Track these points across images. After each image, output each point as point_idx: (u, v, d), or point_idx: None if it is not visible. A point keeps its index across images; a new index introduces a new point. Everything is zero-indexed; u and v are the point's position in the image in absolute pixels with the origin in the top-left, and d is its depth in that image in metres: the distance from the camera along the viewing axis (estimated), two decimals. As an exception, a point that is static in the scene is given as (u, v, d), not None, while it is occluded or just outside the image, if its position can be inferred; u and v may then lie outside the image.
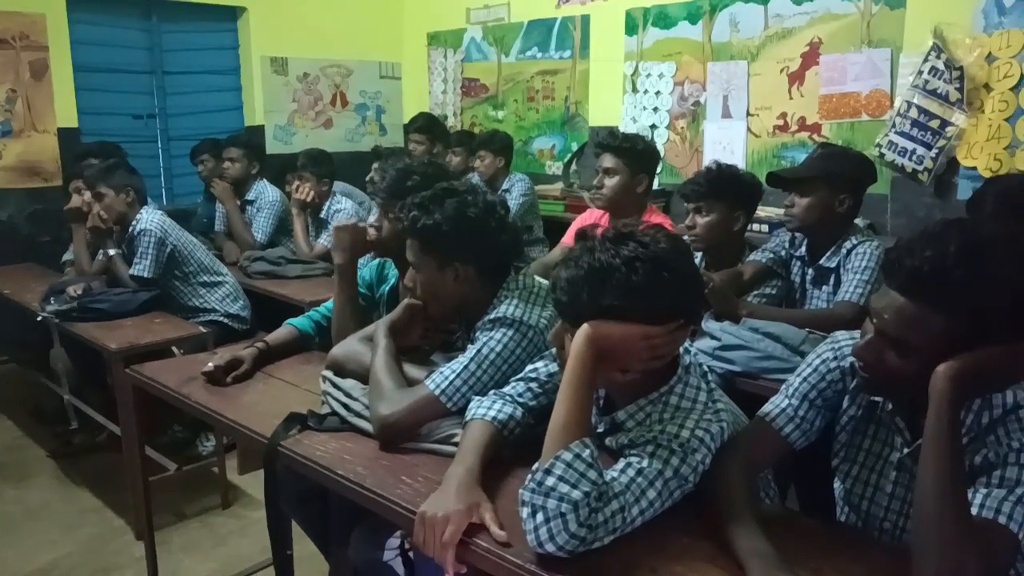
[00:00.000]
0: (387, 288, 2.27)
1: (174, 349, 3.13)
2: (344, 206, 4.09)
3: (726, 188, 2.54)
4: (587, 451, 1.20)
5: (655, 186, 3.31)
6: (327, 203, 4.08)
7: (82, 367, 3.57)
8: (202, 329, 3.11)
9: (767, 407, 1.43)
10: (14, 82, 4.74)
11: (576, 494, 1.16)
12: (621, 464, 1.28)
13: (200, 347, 3.10)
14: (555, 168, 5.54)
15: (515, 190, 4.50)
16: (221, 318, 3.53)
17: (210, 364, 2.01)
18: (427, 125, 5.03)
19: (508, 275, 1.76)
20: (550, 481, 1.17)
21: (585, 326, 1.28)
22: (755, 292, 2.45)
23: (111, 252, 3.43)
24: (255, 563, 2.71)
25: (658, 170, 3.16)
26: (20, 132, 4.80)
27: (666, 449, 1.29)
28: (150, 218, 3.41)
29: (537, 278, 1.83)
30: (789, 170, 2.56)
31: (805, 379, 1.42)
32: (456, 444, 1.54)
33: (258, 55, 5.70)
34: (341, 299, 2.13)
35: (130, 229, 3.42)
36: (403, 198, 2.05)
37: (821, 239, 2.44)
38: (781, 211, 3.76)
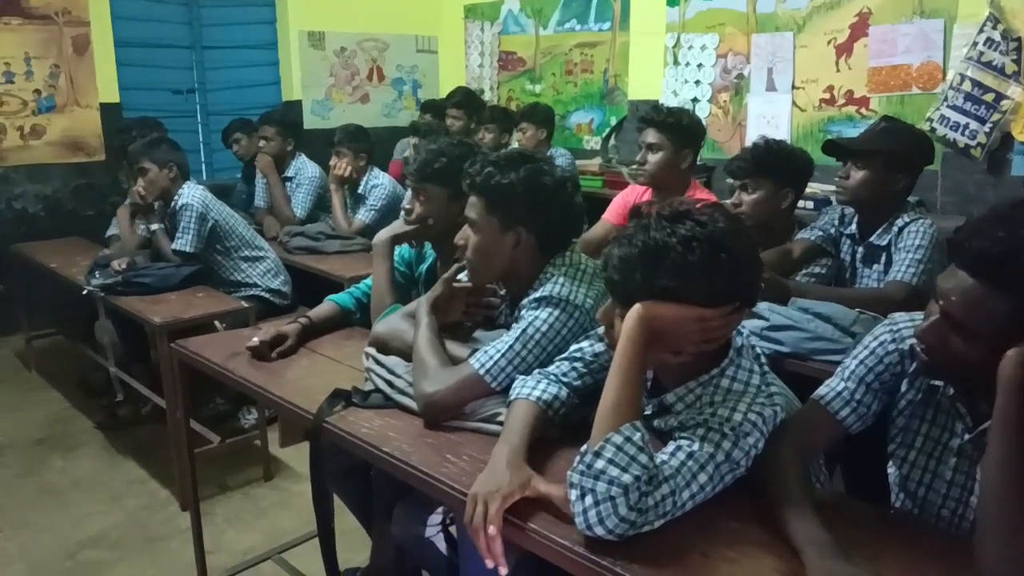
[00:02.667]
0: (425, 267, 2.26)
1: (217, 324, 3.17)
2: (382, 181, 4.08)
3: (774, 165, 2.48)
4: (638, 434, 1.18)
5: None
6: (364, 178, 4.07)
7: (126, 340, 3.63)
8: (244, 304, 3.13)
9: (822, 390, 1.40)
10: (57, 57, 4.79)
11: (626, 478, 1.14)
12: (671, 447, 1.25)
13: (242, 322, 3.13)
14: (593, 143, 5.48)
15: (557, 164, 4.43)
16: (262, 293, 3.56)
17: (255, 339, 2.02)
18: (464, 100, 4.99)
19: (563, 251, 1.74)
20: (600, 464, 1.15)
21: (638, 306, 1.25)
22: (804, 271, 2.39)
23: (154, 227, 3.47)
24: (297, 536, 2.74)
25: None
26: (63, 107, 4.87)
27: (717, 432, 1.26)
28: (191, 193, 3.43)
29: (584, 256, 1.80)
30: (849, 140, 2.48)
31: (862, 361, 1.38)
32: (500, 423, 1.53)
33: (296, 29, 5.69)
34: (379, 275, 2.13)
35: (172, 204, 3.45)
36: (433, 180, 2.05)
37: (873, 216, 2.37)
38: (828, 187, 3.69)
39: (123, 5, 5.03)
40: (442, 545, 1.94)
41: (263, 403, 1.87)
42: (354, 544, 2.44)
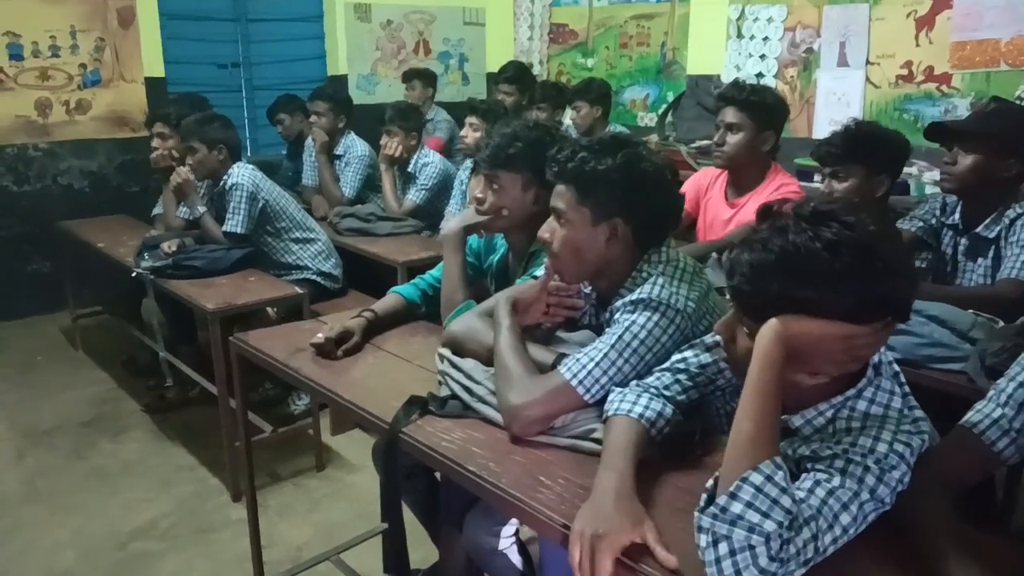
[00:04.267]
0: (496, 258, 2.11)
1: (269, 311, 3.08)
2: (432, 160, 3.93)
3: (868, 150, 2.28)
4: (780, 473, 1.02)
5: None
6: (414, 157, 3.93)
7: (173, 321, 3.55)
8: (298, 290, 3.02)
9: (974, 416, 1.23)
10: (102, 30, 4.70)
11: (769, 525, 0.99)
12: (808, 483, 1.10)
13: (295, 308, 3.03)
14: (648, 119, 5.27)
15: None
16: (314, 276, 3.45)
17: (320, 336, 1.89)
18: (517, 75, 4.80)
19: (659, 246, 1.58)
20: (736, 508, 1.00)
21: (775, 323, 1.09)
22: (904, 266, 2.20)
23: (200, 210, 3.36)
24: (350, 529, 2.63)
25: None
26: (109, 81, 4.79)
27: (860, 466, 1.10)
28: (241, 172, 3.31)
29: (680, 251, 1.64)
30: (957, 122, 2.28)
31: (1021, 384, 1.21)
32: (596, 441, 1.39)
33: (342, 1, 5.55)
34: (450, 269, 1.98)
35: (221, 183, 3.34)
36: (508, 167, 1.89)
37: (979, 206, 2.17)
38: (908, 169, 3.47)
39: (168, -24, 4.93)
40: (516, 559, 1.82)
41: (333, 406, 1.75)
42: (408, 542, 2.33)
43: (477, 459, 1.39)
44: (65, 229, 4.14)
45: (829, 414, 1.20)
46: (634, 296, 1.51)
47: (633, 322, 1.48)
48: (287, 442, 3.20)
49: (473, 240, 2.14)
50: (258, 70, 5.45)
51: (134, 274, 3.20)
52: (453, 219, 2.04)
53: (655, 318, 1.48)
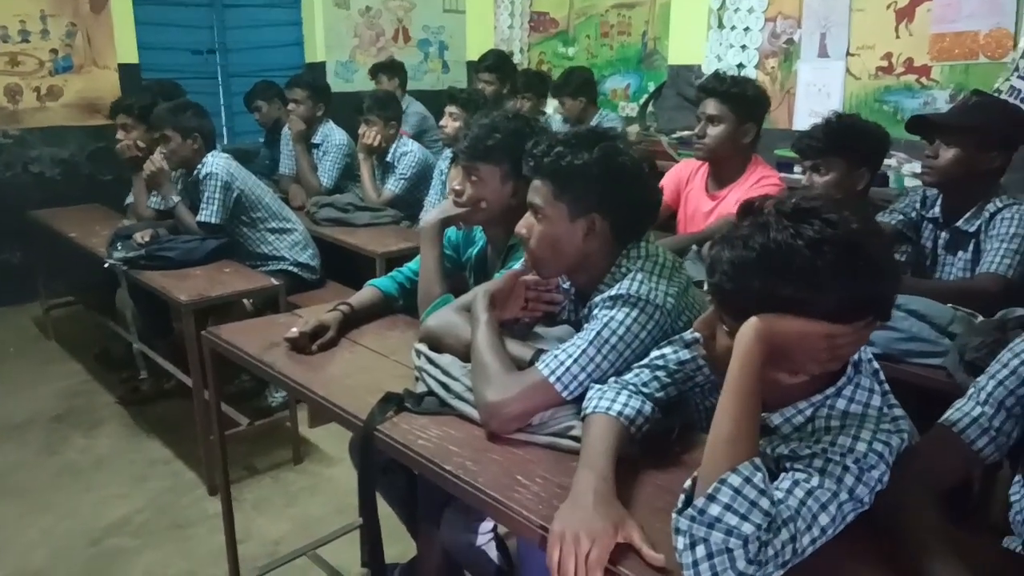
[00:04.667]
0: (475, 251, 2.08)
1: (245, 302, 3.03)
2: (411, 148, 3.89)
3: (848, 143, 2.28)
4: (759, 474, 1.01)
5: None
6: (393, 146, 3.89)
7: (147, 313, 3.50)
8: (274, 281, 2.98)
9: (953, 414, 1.22)
10: (73, 15, 4.60)
11: (747, 527, 0.97)
12: (786, 483, 1.09)
13: (272, 300, 2.99)
14: (629, 109, 5.25)
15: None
16: (291, 267, 3.41)
17: (294, 330, 1.86)
18: (497, 63, 4.76)
19: (638, 241, 1.56)
20: (714, 510, 0.99)
21: (755, 321, 1.07)
22: (884, 259, 2.20)
23: (175, 199, 3.30)
24: (328, 525, 2.60)
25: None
26: (80, 67, 4.69)
27: (839, 465, 1.09)
28: (215, 162, 3.26)
29: (659, 245, 1.62)
30: (939, 115, 2.27)
31: (1001, 382, 1.21)
32: (575, 439, 1.37)
33: (320, -13, 5.47)
34: (427, 262, 1.95)
35: (195, 173, 3.28)
36: (486, 158, 1.86)
37: (960, 199, 2.17)
38: (888, 161, 3.47)
39: (142, -40, 4.83)
40: (493, 554, 1.81)
41: (308, 403, 1.71)
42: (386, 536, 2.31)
43: (454, 458, 1.36)
44: (36, 218, 4.06)
45: (808, 412, 1.18)
46: (613, 292, 1.49)
47: (612, 318, 1.46)
48: (264, 435, 3.17)
49: (452, 232, 2.10)
50: (234, 56, 5.37)
51: (107, 265, 3.14)
52: (431, 211, 2.00)
53: (634, 314, 1.46)
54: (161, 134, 3.29)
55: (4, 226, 4.52)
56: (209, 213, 3.23)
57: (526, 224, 1.59)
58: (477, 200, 1.87)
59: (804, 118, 4.19)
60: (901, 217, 2.28)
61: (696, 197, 2.82)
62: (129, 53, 4.82)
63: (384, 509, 2.12)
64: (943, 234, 2.23)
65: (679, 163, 2.99)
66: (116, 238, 3.23)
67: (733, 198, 2.63)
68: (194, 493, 2.88)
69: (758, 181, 2.64)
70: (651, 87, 5.07)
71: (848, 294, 1.06)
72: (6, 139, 4.55)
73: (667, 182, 2.94)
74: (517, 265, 1.75)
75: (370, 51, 5.75)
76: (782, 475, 1.12)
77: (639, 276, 1.50)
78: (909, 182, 3.42)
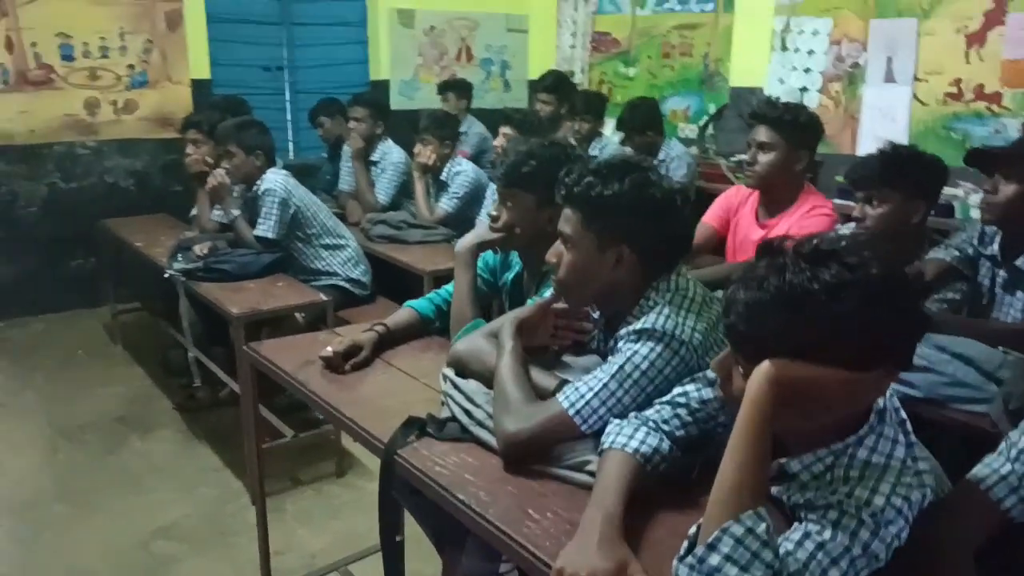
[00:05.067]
0: (511, 276, 2.09)
1: (297, 316, 3.10)
2: (464, 168, 3.93)
3: (904, 175, 2.20)
4: (762, 525, 0.98)
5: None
6: (447, 165, 3.93)
7: (206, 322, 3.60)
8: (323, 297, 3.04)
9: (982, 471, 1.17)
10: (150, 32, 4.81)
11: (747, 580, 0.95)
12: (797, 534, 1.05)
13: (322, 314, 3.05)
14: (688, 131, 5.20)
15: (674, 166, 4.15)
16: (342, 282, 3.48)
17: (329, 349, 1.89)
18: (555, 84, 4.77)
19: (668, 273, 1.54)
20: (714, 560, 0.97)
21: (767, 365, 1.05)
22: (936, 296, 2.12)
23: (235, 213, 3.41)
24: (368, 541, 2.62)
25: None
26: (155, 83, 4.89)
27: (854, 518, 1.05)
28: (274, 178, 3.35)
29: (691, 278, 1.59)
30: (999, 148, 2.18)
31: (1034, 439, 1.15)
32: (590, 473, 1.36)
33: (386, 7, 5.59)
34: (460, 285, 1.98)
35: (254, 189, 3.38)
36: (522, 185, 1.87)
37: (1020, 236, 2.08)
38: (953, 190, 3.36)
39: (216, -21, 5.02)
40: (516, 586, 1.80)
41: (334, 423, 1.74)
42: (423, 553, 2.32)
43: (468, 487, 1.37)
44: (108, 227, 4.24)
45: (828, 461, 1.14)
46: (638, 325, 1.47)
47: (635, 352, 1.44)
48: (310, 447, 3.22)
49: (489, 256, 2.12)
50: (302, 74, 5.52)
51: (166, 275, 3.26)
52: (467, 235, 2.02)
53: (658, 349, 1.44)
54: (225, 149, 3.40)
55: (79, 233, 4.73)
56: (266, 228, 3.33)
57: (555, 252, 1.59)
58: (511, 226, 1.88)
59: (868, 144, 4.08)
60: (957, 253, 2.19)
61: (746, 225, 2.77)
62: (201, 69, 5.00)
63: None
64: (1001, 272, 2.14)
65: (730, 189, 2.95)
66: (177, 249, 3.35)
67: (784, 227, 2.58)
68: (239, 502, 2.95)
69: (810, 210, 2.58)
70: (712, 109, 5.01)
71: (866, 342, 1.03)
72: (84, 150, 4.77)
73: (716, 208, 2.91)
74: (548, 292, 1.75)
75: (433, 70, 5.84)
76: (794, 525, 1.09)
77: (665, 310, 1.48)
78: (975, 213, 3.29)
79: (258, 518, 2.33)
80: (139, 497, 2.96)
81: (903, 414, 1.18)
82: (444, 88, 5.04)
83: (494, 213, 1.92)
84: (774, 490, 1.20)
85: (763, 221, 2.71)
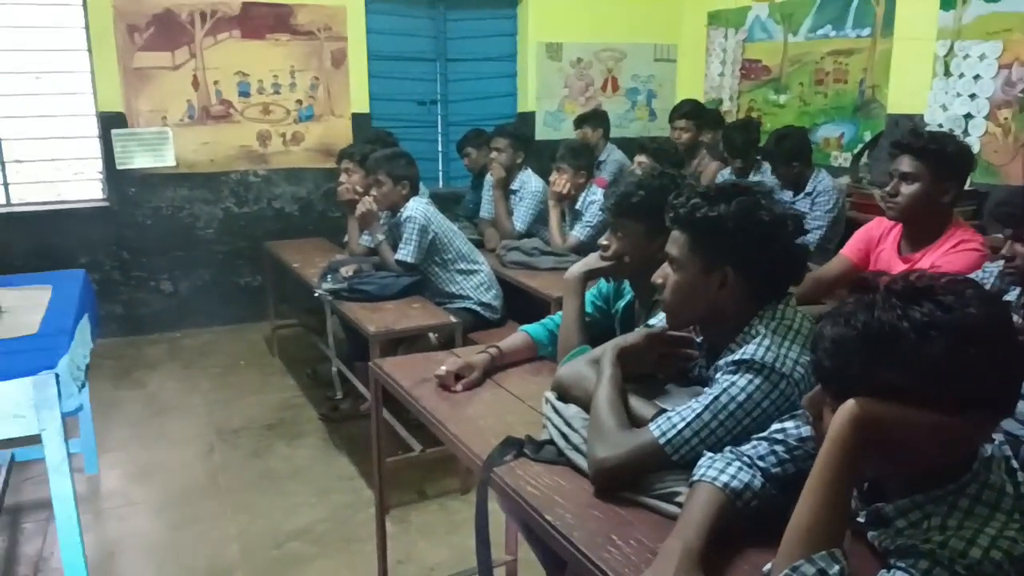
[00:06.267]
0: (623, 304, 2.09)
1: (431, 336, 3.24)
2: (599, 198, 3.96)
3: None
4: (836, 567, 0.95)
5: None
6: (583, 194, 3.98)
7: (351, 339, 3.84)
8: (452, 319, 3.16)
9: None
10: (317, 70, 5.20)
11: (814, 623, 0.92)
12: (882, 580, 1.00)
13: (451, 336, 3.17)
14: (842, 159, 4.97)
15: (821, 200, 3.97)
16: (474, 306, 3.59)
17: (443, 368, 1.98)
18: (692, 111, 4.72)
19: (777, 299, 1.51)
20: (782, 599, 0.94)
21: (851, 404, 1.01)
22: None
23: (380, 238, 3.62)
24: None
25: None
26: (320, 116, 5.28)
27: (946, 570, 0.99)
28: (416, 206, 3.54)
29: (799, 310, 1.54)
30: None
31: None
32: (679, 504, 1.34)
33: (535, 41, 5.74)
34: (568, 312, 2.01)
35: (397, 215, 3.58)
36: (631, 215, 1.90)
37: None
38: None
39: (378, 20, 5.36)
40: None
41: (441, 439, 1.82)
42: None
43: (556, 508, 1.39)
44: (269, 248, 4.62)
45: (928, 508, 1.08)
46: (737, 356, 1.44)
47: (732, 383, 1.42)
48: (437, 462, 3.33)
49: (603, 284, 2.14)
50: (454, 107, 5.77)
51: (316, 295, 3.50)
52: (576, 263, 2.06)
53: (757, 381, 1.41)
54: (375, 178, 3.63)
55: (248, 253, 5.19)
56: (407, 252, 3.51)
57: (662, 273, 1.60)
58: (621, 255, 1.90)
59: (1041, 174, 3.75)
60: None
61: (887, 259, 2.62)
62: (362, 103, 5.35)
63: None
64: None
65: (872, 221, 2.80)
66: (327, 270, 3.60)
67: (928, 262, 2.42)
68: (368, 511, 3.08)
69: (956, 245, 2.41)
70: (867, 136, 4.77)
71: (959, 386, 0.97)
72: (255, 178, 5.21)
73: (856, 240, 2.77)
74: (654, 320, 1.75)
75: (579, 100, 5.93)
76: (880, 571, 1.03)
77: (766, 341, 1.44)
78: None
79: (377, 527, 2.44)
80: (279, 499, 3.18)
81: (1015, 463, 1.10)
82: (580, 122, 5.10)
83: (604, 242, 1.95)
84: (870, 535, 1.15)
85: (906, 255, 2.55)
